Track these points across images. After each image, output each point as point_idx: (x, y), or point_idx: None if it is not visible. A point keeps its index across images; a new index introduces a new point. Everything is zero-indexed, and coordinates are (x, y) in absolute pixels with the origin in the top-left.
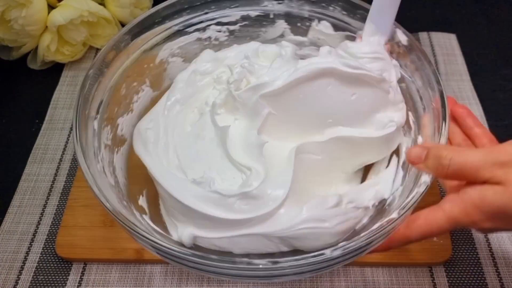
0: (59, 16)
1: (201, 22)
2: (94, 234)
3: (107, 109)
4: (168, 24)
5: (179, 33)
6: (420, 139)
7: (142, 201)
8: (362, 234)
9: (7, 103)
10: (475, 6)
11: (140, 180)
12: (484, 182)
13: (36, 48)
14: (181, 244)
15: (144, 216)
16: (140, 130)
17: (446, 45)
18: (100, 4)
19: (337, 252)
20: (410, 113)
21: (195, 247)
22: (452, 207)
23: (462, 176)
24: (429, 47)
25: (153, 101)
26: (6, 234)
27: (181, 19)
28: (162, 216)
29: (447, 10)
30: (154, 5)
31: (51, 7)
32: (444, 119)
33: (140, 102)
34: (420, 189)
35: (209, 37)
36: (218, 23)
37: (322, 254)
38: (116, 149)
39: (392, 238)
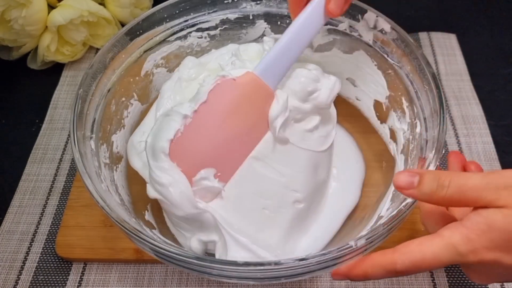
0: (59, 16)
1: (182, 30)
2: (94, 234)
3: (101, 128)
4: (150, 34)
5: (161, 43)
6: (418, 124)
7: (148, 216)
8: (381, 222)
9: (7, 103)
10: (475, 6)
11: (142, 196)
12: (485, 205)
13: (36, 48)
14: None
15: (153, 231)
16: (134, 144)
17: (446, 45)
18: (100, 4)
19: (362, 242)
20: (403, 98)
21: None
22: (452, 233)
23: (460, 199)
24: (429, 47)
25: (143, 115)
26: (6, 234)
27: (162, 28)
28: (170, 229)
29: (447, 10)
30: (154, 5)
31: (51, 7)
32: (440, 100)
33: (131, 117)
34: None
35: (191, 44)
36: (198, 29)
37: (347, 244)
38: (115, 167)
39: (373, 262)
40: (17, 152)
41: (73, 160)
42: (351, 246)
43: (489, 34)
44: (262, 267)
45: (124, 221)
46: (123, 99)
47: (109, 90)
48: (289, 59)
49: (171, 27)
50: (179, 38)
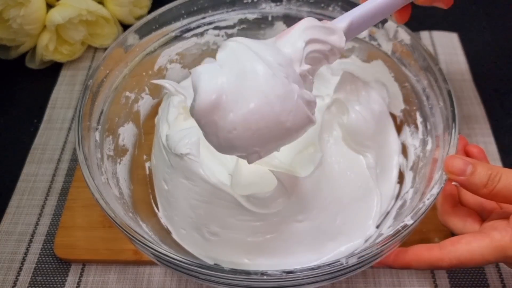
0: (57, 15)
1: (199, 27)
2: (93, 235)
3: (108, 120)
4: (166, 30)
5: (177, 38)
6: (430, 141)
7: (147, 211)
8: (377, 240)
9: (5, 103)
10: (477, 6)
11: (143, 190)
12: None
13: (35, 47)
14: None
15: (150, 227)
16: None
17: (448, 45)
18: (99, 3)
19: (353, 260)
20: (417, 114)
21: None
22: (502, 236)
23: (506, 196)
24: (430, 46)
25: (154, 109)
26: (4, 235)
27: (178, 24)
28: (163, 223)
29: (449, 9)
30: (153, 4)
31: (49, 6)
32: (453, 119)
33: (141, 111)
34: (433, 191)
35: (207, 42)
36: (216, 28)
37: (338, 261)
38: (119, 160)
39: (419, 256)
40: (15, 152)
41: (71, 160)
42: (341, 264)
43: (491, 33)
44: (247, 276)
45: (114, 212)
46: (134, 92)
47: (120, 83)
48: (378, 15)
49: (188, 24)
50: (196, 35)
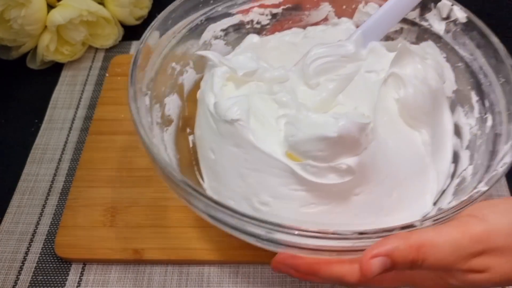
0: (58, 15)
1: (244, 3)
2: (94, 234)
3: (155, 87)
4: (212, 5)
5: (223, 15)
6: (490, 118)
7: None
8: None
9: (6, 103)
10: (475, 7)
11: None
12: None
13: (36, 47)
14: None
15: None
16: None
17: None
18: (100, 3)
19: (427, 224)
20: (472, 93)
21: None
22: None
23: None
24: None
25: (197, 84)
26: (5, 234)
27: None
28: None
29: None
30: (154, 5)
31: (50, 7)
32: None
33: (185, 84)
34: (506, 160)
35: (251, 20)
36: (261, 6)
37: (411, 225)
38: (166, 129)
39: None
40: (16, 152)
41: (72, 160)
42: (415, 227)
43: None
44: (348, 235)
45: (172, 173)
46: (180, 64)
47: (167, 53)
48: (390, 22)
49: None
50: (241, 12)
